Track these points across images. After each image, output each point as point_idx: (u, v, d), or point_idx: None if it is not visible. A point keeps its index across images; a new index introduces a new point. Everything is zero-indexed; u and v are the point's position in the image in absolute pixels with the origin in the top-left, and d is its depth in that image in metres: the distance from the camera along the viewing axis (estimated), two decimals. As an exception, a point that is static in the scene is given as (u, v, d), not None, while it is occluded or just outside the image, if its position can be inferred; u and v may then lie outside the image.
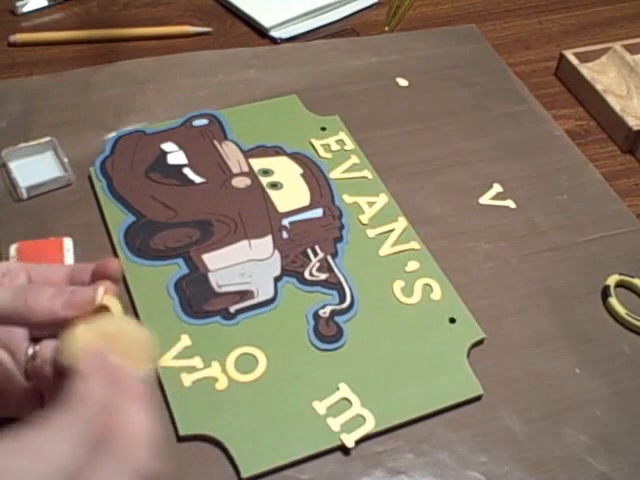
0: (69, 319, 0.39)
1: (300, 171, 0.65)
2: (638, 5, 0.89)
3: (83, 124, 0.68)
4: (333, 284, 0.57)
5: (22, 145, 0.64)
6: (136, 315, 0.54)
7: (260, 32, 0.81)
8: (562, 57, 0.78)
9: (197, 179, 0.63)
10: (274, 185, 0.63)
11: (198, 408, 0.49)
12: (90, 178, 0.63)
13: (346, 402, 0.50)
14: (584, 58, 0.78)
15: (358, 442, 0.49)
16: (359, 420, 0.49)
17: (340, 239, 0.60)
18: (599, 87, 0.74)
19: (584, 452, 0.50)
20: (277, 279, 0.57)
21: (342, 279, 0.57)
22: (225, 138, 0.67)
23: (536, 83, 0.77)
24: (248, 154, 0.66)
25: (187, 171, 0.64)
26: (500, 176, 0.67)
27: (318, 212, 0.62)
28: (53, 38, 0.78)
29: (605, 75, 0.77)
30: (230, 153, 0.66)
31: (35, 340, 0.41)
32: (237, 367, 0.52)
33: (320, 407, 0.50)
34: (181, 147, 0.66)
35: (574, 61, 0.77)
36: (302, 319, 0.55)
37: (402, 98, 0.73)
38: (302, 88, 0.73)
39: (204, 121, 0.68)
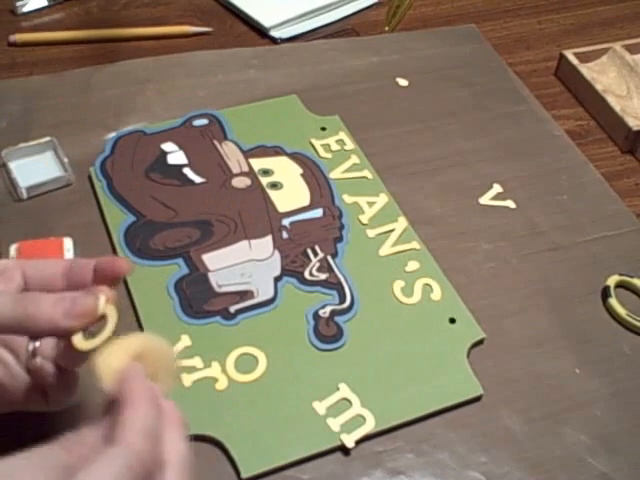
0: (70, 329, 0.39)
1: (300, 171, 0.65)
2: (638, 5, 0.89)
3: (83, 124, 0.68)
4: (333, 284, 0.57)
5: (22, 145, 0.64)
6: (136, 315, 0.54)
7: (260, 32, 0.81)
8: (562, 57, 0.78)
9: (197, 179, 0.63)
10: (274, 185, 0.63)
11: (198, 408, 0.49)
12: (90, 178, 0.63)
13: (346, 402, 0.50)
14: (584, 58, 0.78)
15: (358, 442, 0.49)
16: (359, 420, 0.49)
17: (340, 239, 0.60)
18: (599, 87, 0.74)
19: (584, 452, 0.50)
20: (277, 279, 0.57)
21: (342, 279, 0.57)
22: (225, 138, 0.67)
23: (536, 83, 0.77)
24: (248, 154, 0.66)
25: (187, 171, 0.64)
26: (500, 176, 0.67)
27: (318, 212, 0.62)
28: (53, 38, 0.78)
29: (605, 75, 0.77)
30: (230, 153, 0.66)
31: (34, 336, 0.41)
32: (237, 367, 0.52)
33: (320, 407, 0.50)
34: (181, 147, 0.66)
35: (574, 61, 0.77)
36: (302, 319, 0.55)
37: (402, 98, 0.74)
38: (302, 88, 0.73)
39: (204, 121, 0.68)
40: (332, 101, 0.72)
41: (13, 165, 0.63)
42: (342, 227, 0.61)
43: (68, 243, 0.56)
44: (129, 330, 0.53)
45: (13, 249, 0.55)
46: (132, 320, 0.54)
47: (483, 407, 0.52)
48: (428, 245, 0.60)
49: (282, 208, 0.62)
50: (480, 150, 0.69)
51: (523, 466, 0.49)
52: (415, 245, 0.60)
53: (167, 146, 0.66)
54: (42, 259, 0.44)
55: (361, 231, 0.61)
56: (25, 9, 0.81)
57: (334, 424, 0.49)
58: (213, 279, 0.56)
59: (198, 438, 0.48)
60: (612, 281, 0.59)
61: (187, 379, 0.50)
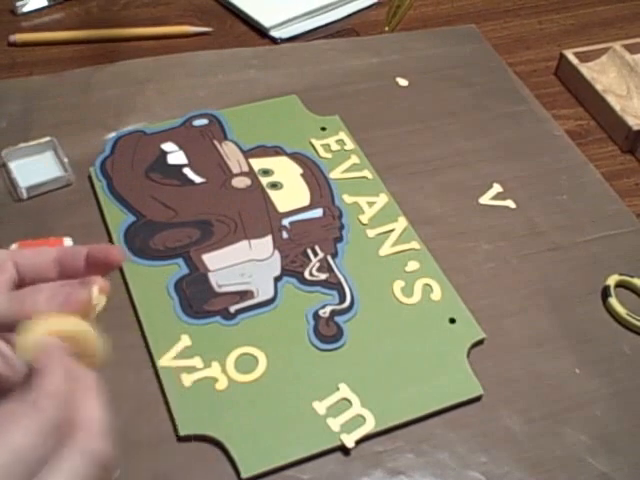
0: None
1: (300, 171, 0.65)
2: (638, 5, 0.89)
3: (83, 124, 0.68)
4: (333, 284, 0.57)
5: (22, 145, 0.64)
6: (136, 315, 0.54)
7: (260, 32, 0.81)
8: (562, 57, 0.78)
9: (197, 179, 0.63)
10: (274, 185, 0.63)
11: (198, 408, 0.49)
12: (90, 178, 0.63)
13: (346, 402, 0.50)
14: (584, 58, 0.78)
15: (358, 442, 0.49)
16: (359, 420, 0.49)
17: (340, 239, 0.60)
18: (599, 87, 0.74)
19: (584, 452, 0.50)
20: (277, 279, 0.57)
21: (342, 279, 0.57)
22: (225, 138, 0.67)
23: (536, 83, 0.77)
24: (248, 154, 0.66)
25: (187, 171, 0.64)
26: (500, 176, 0.67)
27: (318, 212, 0.62)
28: (53, 38, 0.78)
29: (605, 75, 0.77)
30: (230, 153, 0.66)
31: None
32: (237, 367, 0.52)
33: (320, 407, 0.50)
34: (181, 147, 0.66)
35: (574, 61, 0.77)
36: (302, 319, 0.55)
37: (402, 98, 0.73)
38: (302, 88, 0.73)
39: (204, 121, 0.68)
40: (332, 101, 0.72)
41: (13, 165, 0.63)
42: (342, 227, 0.61)
43: (68, 243, 0.57)
44: (129, 329, 0.53)
45: (13, 249, 0.55)
46: (132, 320, 0.54)
47: (483, 407, 0.52)
48: (428, 245, 0.60)
49: (282, 208, 0.62)
50: (480, 150, 0.69)
51: (523, 466, 0.49)
52: (415, 245, 0.60)
53: (167, 146, 0.66)
54: (33, 249, 0.43)
55: (361, 231, 0.61)
56: (25, 9, 0.81)
57: (334, 424, 0.49)
58: (213, 279, 0.56)
59: (198, 438, 0.48)
60: (612, 281, 0.59)
61: (187, 379, 0.51)
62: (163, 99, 0.71)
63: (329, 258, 0.58)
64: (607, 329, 0.57)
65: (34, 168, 0.63)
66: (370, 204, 0.63)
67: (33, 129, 0.66)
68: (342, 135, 0.68)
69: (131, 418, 0.48)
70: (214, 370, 0.51)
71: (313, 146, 0.67)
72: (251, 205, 0.62)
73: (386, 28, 0.81)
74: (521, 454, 0.49)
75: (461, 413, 0.51)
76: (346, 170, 0.65)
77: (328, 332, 0.54)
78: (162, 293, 0.55)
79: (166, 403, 0.50)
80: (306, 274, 0.57)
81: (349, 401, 0.50)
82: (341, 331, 0.54)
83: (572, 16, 0.87)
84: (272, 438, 0.48)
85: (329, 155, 0.66)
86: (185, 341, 0.53)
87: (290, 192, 0.63)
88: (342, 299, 0.56)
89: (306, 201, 0.63)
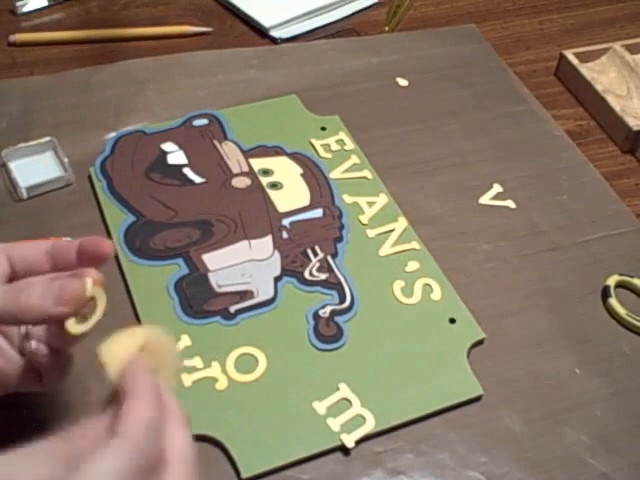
0: (62, 315, 0.39)
1: (300, 171, 0.65)
2: (638, 5, 0.89)
3: (83, 124, 0.68)
4: (333, 284, 0.57)
5: (22, 145, 0.64)
6: (136, 315, 0.54)
7: (260, 32, 0.81)
8: (562, 57, 0.78)
9: (197, 179, 0.63)
10: (274, 185, 0.63)
11: (198, 408, 0.49)
12: (90, 178, 0.63)
13: (346, 402, 0.50)
14: (584, 58, 0.78)
15: (358, 442, 0.49)
16: (359, 420, 0.49)
17: (340, 239, 0.60)
18: (599, 87, 0.74)
19: (584, 452, 0.50)
20: (277, 279, 0.57)
21: (342, 279, 0.57)
22: (225, 138, 0.67)
23: (536, 83, 0.77)
24: (248, 154, 0.66)
25: (187, 171, 0.64)
26: (500, 176, 0.67)
27: (318, 212, 0.62)
28: (53, 38, 0.78)
29: (605, 75, 0.77)
30: (230, 153, 0.66)
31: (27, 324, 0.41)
32: (237, 367, 0.52)
33: (320, 407, 0.50)
34: (181, 147, 0.66)
35: (574, 61, 0.77)
36: (302, 319, 0.55)
37: (402, 98, 0.73)
38: (302, 88, 0.73)
39: (204, 121, 0.68)
40: (332, 101, 0.72)
41: (13, 165, 0.63)
42: (342, 227, 0.61)
43: (68, 243, 0.57)
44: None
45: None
46: (132, 320, 0.54)
47: (483, 407, 0.52)
48: (428, 245, 0.60)
49: (282, 208, 0.62)
50: (480, 150, 0.69)
51: (523, 466, 0.49)
52: (415, 245, 0.60)
53: (167, 146, 0.66)
54: (25, 242, 0.44)
55: (361, 231, 0.61)
56: (25, 9, 0.81)
57: (334, 424, 0.49)
58: (213, 279, 0.56)
59: (198, 438, 0.48)
60: (612, 281, 0.59)
61: (187, 379, 0.50)
62: (163, 99, 0.71)
63: (329, 258, 0.58)
64: (607, 329, 0.57)
65: (34, 168, 0.63)
66: (370, 204, 0.63)
67: (33, 129, 0.66)
68: (342, 135, 0.68)
69: (131, 418, 0.48)
70: (214, 370, 0.51)
71: (313, 146, 0.67)
72: (251, 205, 0.62)
73: (386, 28, 0.81)
74: (521, 454, 0.49)
75: (461, 413, 0.51)
76: (346, 170, 0.65)
77: (328, 332, 0.54)
78: (162, 293, 0.55)
79: (166, 403, 0.50)
80: (306, 274, 0.57)
81: (349, 401, 0.50)
82: (341, 331, 0.54)
83: (572, 16, 0.87)
84: (272, 438, 0.48)
85: (329, 155, 0.66)
86: (185, 341, 0.52)
87: (290, 192, 0.63)
88: (342, 299, 0.56)
89: (306, 201, 0.63)
